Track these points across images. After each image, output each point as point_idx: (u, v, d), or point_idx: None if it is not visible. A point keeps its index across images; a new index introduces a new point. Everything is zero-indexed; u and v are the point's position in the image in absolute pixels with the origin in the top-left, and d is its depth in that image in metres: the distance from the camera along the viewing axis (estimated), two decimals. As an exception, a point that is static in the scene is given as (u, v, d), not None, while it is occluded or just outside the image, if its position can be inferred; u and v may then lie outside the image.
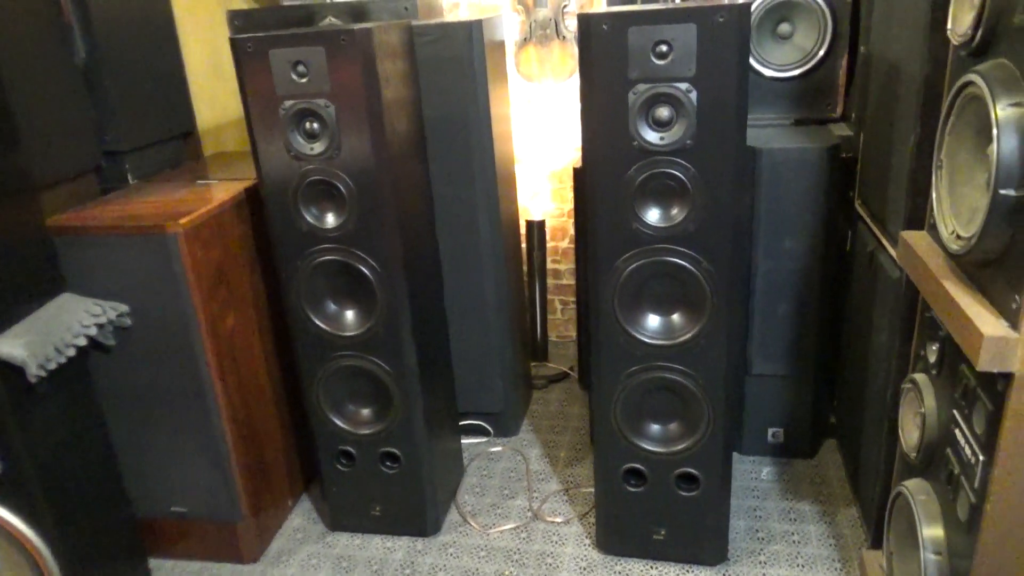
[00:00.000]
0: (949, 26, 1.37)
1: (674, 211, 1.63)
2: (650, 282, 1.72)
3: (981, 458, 1.26)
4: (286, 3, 2.70)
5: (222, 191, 1.99)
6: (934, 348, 1.52)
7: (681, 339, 1.72)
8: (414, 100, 1.97)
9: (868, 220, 2.01)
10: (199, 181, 2.13)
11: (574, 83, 2.86)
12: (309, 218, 1.81)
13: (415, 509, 2.10)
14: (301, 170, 1.77)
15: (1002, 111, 1.13)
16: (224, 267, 1.91)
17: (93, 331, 1.70)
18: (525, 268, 2.88)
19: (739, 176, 1.59)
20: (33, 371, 1.52)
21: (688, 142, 1.56)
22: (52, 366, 1.59)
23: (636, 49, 1.52)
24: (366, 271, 1.83)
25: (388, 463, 2.06)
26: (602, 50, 1.54)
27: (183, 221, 1.74)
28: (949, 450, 1.40)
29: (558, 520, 2.17)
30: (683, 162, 1.58)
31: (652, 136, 1.58)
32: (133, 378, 1.90)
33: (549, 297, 3.16)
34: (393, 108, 1.78)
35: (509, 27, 2.78)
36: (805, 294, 2.17)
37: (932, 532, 1.44)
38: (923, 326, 1.58)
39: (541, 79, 2.83)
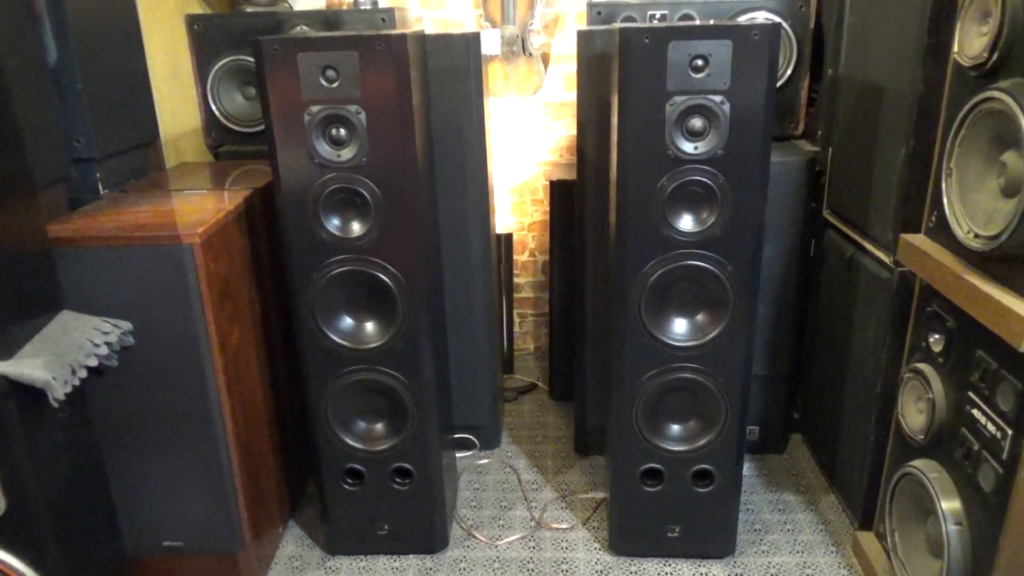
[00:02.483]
0: (955, 49, 1.53)
1: (703, 215, 1.71)
2: (674, 286, 1.80)
3: (1009, 432, 1.41)
4: (249, 10, 2.62)
5: (220, 200, 1.88)
6: (937, 338, 1.68)
7: (704, 340, 1.81)
8: (427, 105, 1.96)
9: (843, 227, 2.19)
10: (185, 191, 2.01)
11: (537, 99, 2.92)
12: (330, 227, 1.75)
13: (424, 525, 2.06)
14: (324, 177, 1.71)
15: (1034, 122, 1.29)
16: (230, 279, 1.81)
17: (104, 351, 1.56)
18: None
19: (763, 183, 1.70)
20: (58, 394, 1.38)
21: (720, 151, 1.65)
22: (68, 390, 1.44)
23: (674, 63, 1.60)
24: (388, 281, 1.79)
25: (398, 479, 2.01)
26: (642, 63, 1.60)
27: (200, 230, 1.64)
28: (964, 429, 1.55)
29: (563, 527, 2.19)
30: (713, 170, 1.67)
31: (687, 146, 1.66)
32: (129, 401, 1.75)
33: (508, 310, 3.19)
34: (419, 116, 1.76)
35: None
36: (782, 298, 2.32)
37: (951, 505, 1.58)
38: (923, 319, 1.74)
39: (506, 94, 2.88)
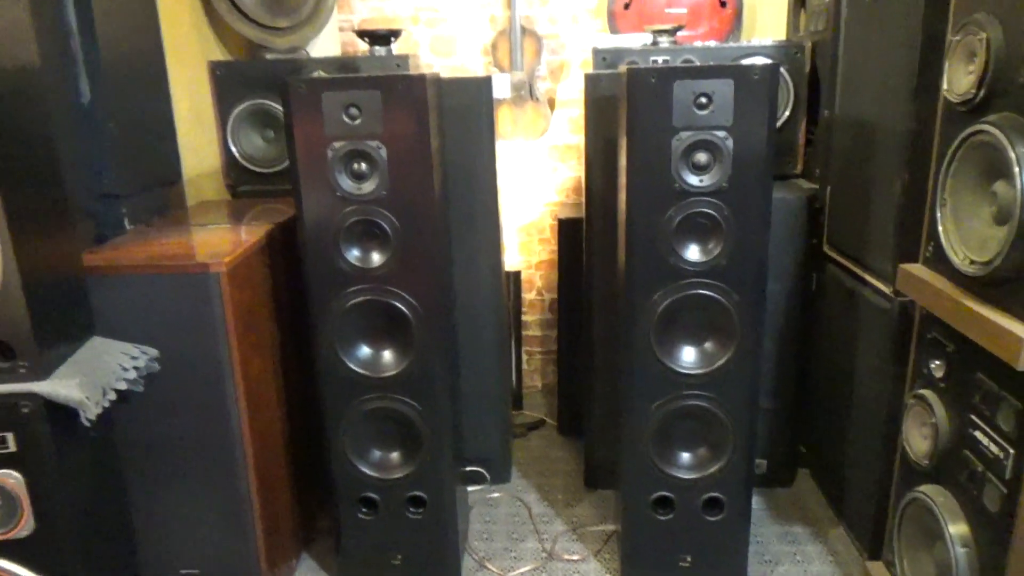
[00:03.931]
0: (945, 87, 1.62)
1: (710, 246, 1.78)
2: (681, 315, 1.85)
3: (1012, 452, 1.45)
4: (269, 56, 2.73)
5: (241, 234, 1.96)
6: (938, 364, 1.73)
7: (712, 368, 1.86)
8: (443, 144, 2.05)
9: (843, 261, 2.26)
10: (209, 225, 2.08)
11: (544, 142, 3.03)
12: (350, 257, 1.82)
13: (438, 555, 2.07)
14: (345, 210, 1.79)
15: (1022, 153, 1.37)
16: (253, 308, 1.87)
17: (132, 375, 1.61)
18: (501, 318, 2.95)
19: (765, 214, 1.77)
20: (92, 414, 1.42)
21: (724, 184, 1.73)
22: (99, 411, 1.49)
23: (680, 100, 1.69)
24: (405, 310, 1.85)
25: (412, 508, 2.03)
26: (650, 101, 1.70)
27: (227, 259, 1.71)
28: (967, 452, 1.59)
29: (575, 558, 2.20)
30: (718, 202, 1.75)
31: (692, 179, 1.74)
32: (153, 427, 1.79)
33: (516, 348, 3.24)
34: (436, 151, 1.85)
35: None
36: (785, 332, 2.38)
37: (958, 528, 1.61)
38: (924, 346, 1.79)
39: (514, 137, 2.98)
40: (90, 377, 1.49)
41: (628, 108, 1.73)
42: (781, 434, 2.48)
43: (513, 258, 3.15)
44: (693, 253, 1.79)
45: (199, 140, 2.58)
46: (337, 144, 1.75)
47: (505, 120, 2.96)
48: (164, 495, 1.85)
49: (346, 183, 1.78)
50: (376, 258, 1.83)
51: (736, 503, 1.96)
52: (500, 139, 2.98)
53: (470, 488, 2.55)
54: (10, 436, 1.41)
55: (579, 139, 2.30)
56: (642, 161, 1.74)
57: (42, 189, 1.49)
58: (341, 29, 3.00)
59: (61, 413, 1.45)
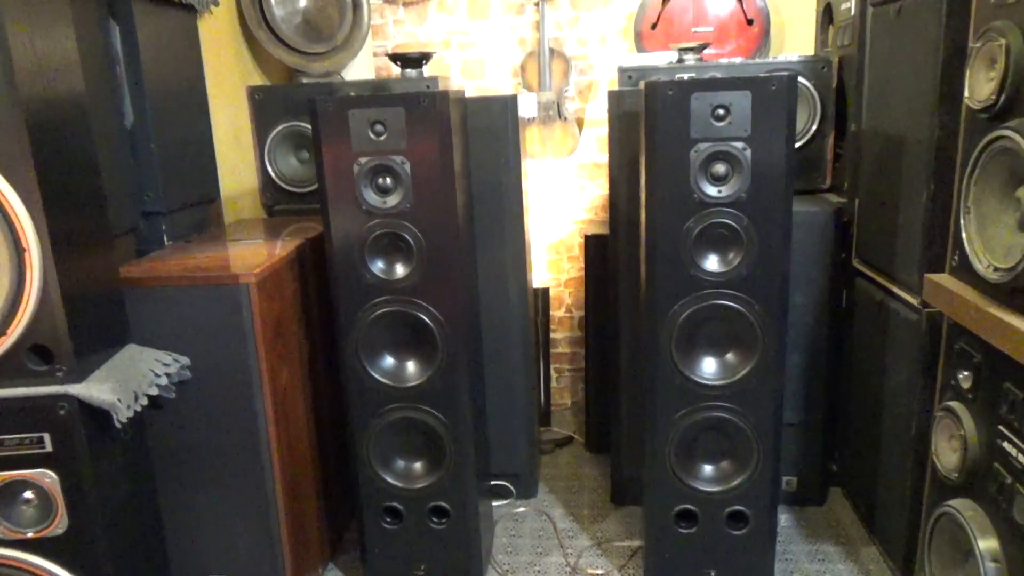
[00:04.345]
0: (967, 94, 1.61)
1: (730, 256, 1.79)
2: (703, 326, 1.86)
3: (1040, 461, 1.41)
4: (305, 80, 2.83)
5: (273, 248, 2.02)
6: (966, 375, 1.70)
7: (735, 379, 1.85)
8: (467, 159, 2.10)
9: (872, 274, 2.23)
10: (243, 241, 2.16)
11: (572, 161, 3.07)
12: (375, 270, 1.87)
13: (461, 566, 2.08)
14: (370, 223, 1.84)
15: (1043, 157, 1.35)
16: (282, 320, 1.93)
17: (164, 381, 1.68)
18: (530, 335, 2.97)
19: (786, 225, 1.77)
20: (123, 416, 1.48)
21: (743, 195, 1.74)
22: (131, 414, 1.55)
23: (698, 112, 1.71)
24: (429, 321, 1.89)
25: (435, 519, 2.05)
26: (668, 113, 1.72)
27: (256, 271, 1.77)
28: (997, 464, 1.56)
29: (599, 572, 2.19)
30: (738, 212, 1.75)
31: (711, 190, 1.75)
32: (184, 434, 1.85)
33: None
34: (459, 164, 1.89)
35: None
36: (815, 345, 2.35)
37: (988, 544, 1.57)
38: (952, 357, 1.76)
39: (543, 157, 3.03)
40: (123, 382, 1.56)
41: (646, 120, 1.76)
42: (811, 451, 2.44)
43: (542, 276, 3.17)
44: (713, 264, 1.80)
45: (237, 161, 2.68)
46: (363, 159, 1.81)
47: (534, 140, 3.00)
48: (194, 501, 1.91)
49: (371, 197, 1.83)
50: (400, 270, 1.87)
51: (761, 517, 1.93)
52: (529, 158, 3.03)
53: (496, 503, 2.56)
54: (47, 436, 1.48)
55: (607, 158, 2.32)
56: (661, 172, 1.76)
57: (84, 206, 1.57)
58: (375, 55, 3.10)
59: (96, 416, 1.51)
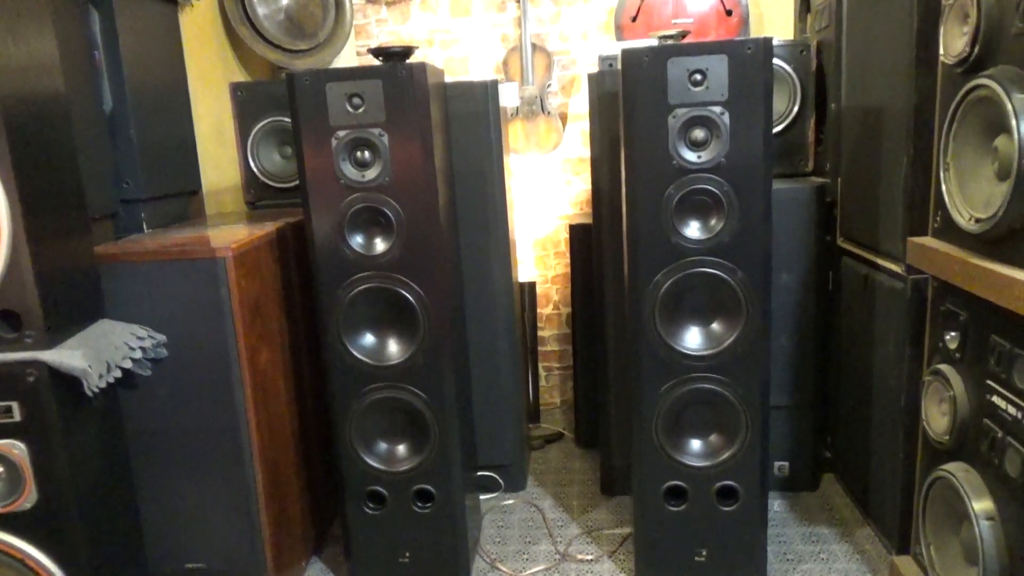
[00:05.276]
0: (941, 51, 1.62)
1: (711, 223, 1.77)
2: (687, 295, 1.84)
3: (1030, 410, 1.39)
4: (288, 77, 2.83)
5: (254, 229, 2.00)
6: (952, 335, 1.68)
7: (720, 348, 1.82)
8: (447, 141, 2.09)
9: (856, 251, 2.22)
10: (223, 225, 2.14)
11: (557, 156, 3.07)
12: (354, 245, 1.85)
13: (447, 553, 2.03)
14: (349, 197, 1.83)
15: (1018, 101, 1.35)
16: (261, 300, 1.90)
17: (138, 354, 1.65)
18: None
19: (766, 189, 1.76)
20: (94, 383, 1.45)
21: (722, 160, 1.73)
22: (103, 384, 1.52)
23: (674, 78, 1.71)
24: (410, 297, 1.86)
25: (420, 503, 2.00)
26: (644, 80, 1.72)
27: (233, 245, 1.75)
28: (987, 420, 1.53)
29: (588, 558, 2.14)
30: (718, 178, 1.74)
31: (690, 155, 1.74)
32: (159, 415, 1.81)
33: (534, 363, 3.22)
34: (438, 140, 1.88)
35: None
36: (804, 329, 2.33)
37: (982, 504, 1.54)
38: (938, 320, 1.74)
39: (527, 151, 3.03)
40: (96, 351, 1.53)
41: (624, 88, 1.75)
42: (803, 435, 2.41)
43: (529, 271, 3.15)
44: (695, 231, 1.79)
45: (220, 157, 2.67)
46: (341, 133, 1.80)
47: (518, 135, 3.00)
48: (171, 486, 1.86)
49: (350, 171, 1.82)
50: (380, 245, 1.85)
51: (751, 493, 1.89)
52: (514, 153, 3.03)
53: (484, 496, 2.51)
54: (15, 405, 1.45)
55: (590, 148, 2.33)
56: (640, 140, 1.76)
57: (56, 172, 1.55)
58: (359, 54, 3.11)
59: (67, 384, 1.48)
